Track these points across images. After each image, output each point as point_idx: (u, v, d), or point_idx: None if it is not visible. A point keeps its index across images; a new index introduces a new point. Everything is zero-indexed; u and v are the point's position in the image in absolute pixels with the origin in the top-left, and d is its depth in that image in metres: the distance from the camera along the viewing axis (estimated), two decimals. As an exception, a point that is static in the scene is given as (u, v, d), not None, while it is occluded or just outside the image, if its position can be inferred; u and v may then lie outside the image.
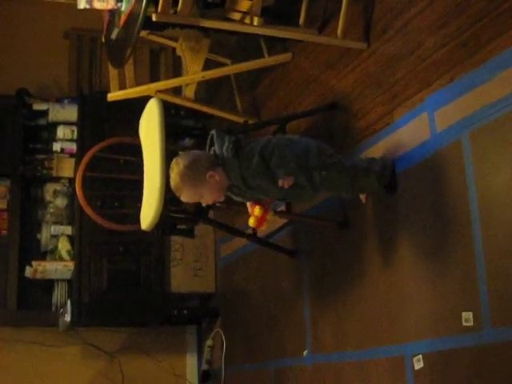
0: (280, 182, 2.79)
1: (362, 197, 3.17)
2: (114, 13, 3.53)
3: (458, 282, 2.58)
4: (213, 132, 2.84)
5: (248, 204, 3.05)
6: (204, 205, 2.91)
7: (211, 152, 2.82)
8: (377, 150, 3.13)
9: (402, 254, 2.92)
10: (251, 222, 3.03)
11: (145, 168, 3.33)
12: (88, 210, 3.81)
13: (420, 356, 2.76)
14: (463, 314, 2.53)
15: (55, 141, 4.96)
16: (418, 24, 2.90)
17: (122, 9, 3.35)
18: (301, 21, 3.60)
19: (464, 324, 2.52)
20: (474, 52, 2.57)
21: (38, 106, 5.02)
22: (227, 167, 2.77)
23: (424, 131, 2.82)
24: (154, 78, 5.27)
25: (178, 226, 3.78)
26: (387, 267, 3.02)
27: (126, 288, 4.75)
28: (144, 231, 3.28)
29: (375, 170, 2.93)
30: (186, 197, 2.80)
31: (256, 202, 3.00)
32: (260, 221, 3.02)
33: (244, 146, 2.80)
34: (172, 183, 2.79)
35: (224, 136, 2.80)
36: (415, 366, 2.78)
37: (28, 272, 4.73)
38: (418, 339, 2.79)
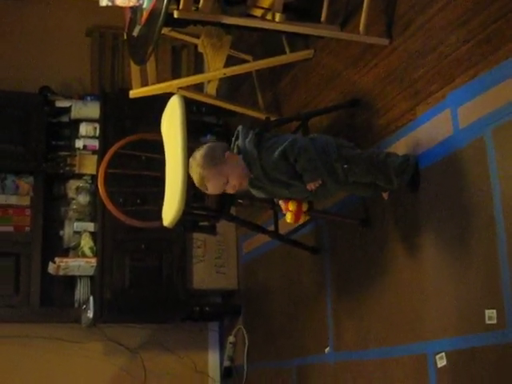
0: (308, 186, 2.81)
1: (385, 194, 3.16)
2: (135, 10, 3.54)
3: (482, 279, 2.56)
4: (239, 128, 2.86)
5: (281, 202, 3.07)
6: (231, 191, 2.86)
7: (236, 145, 2.84)
8: (399, 146, 3.12)
9: (425, 252, 2.90)
10: (288, 217, 3.04)
11: (167, 165, 3.34)
12: (110, 207, 3.82)
13: (443, 354, 2.74)
14: (486, 311, 2.52)
15: (78, 138, 4.97)
16: (441, 20, 2.88)
17: (144, 6, 3.36)
18: (323, 17, 3.59)
19: (487, 322, 2.51)
20: (498, 48, 2.55)
21: (61, 104, 5.03)
22: (248, 157, 2.78)
23: (447, 128, 2.80)
24: (176, 75, 5.26)
25: (200, 223, 3.79)
26: (409, 265, 3.00)
27: (148, 285, 4.76)
28: (166, 228, 3.28)
29: (394, 165, 2.91)
30: (211, 184, 2.78)
31: (287, 198, 3.02)
32: (297, 215, 3.03)
33: (268, 139, 2.82)
34: (194, 176, 2.79)
35: (249, 130, 2.83)
36: (438, 364, 2.76)
37: (51, 268, 4.75)
38: (440, 337, 2.77)
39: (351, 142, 2.97)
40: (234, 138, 2.88)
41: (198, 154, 2.78)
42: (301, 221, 3.08)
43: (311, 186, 2.82)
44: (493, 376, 2.48)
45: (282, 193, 2.95)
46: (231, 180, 2.79)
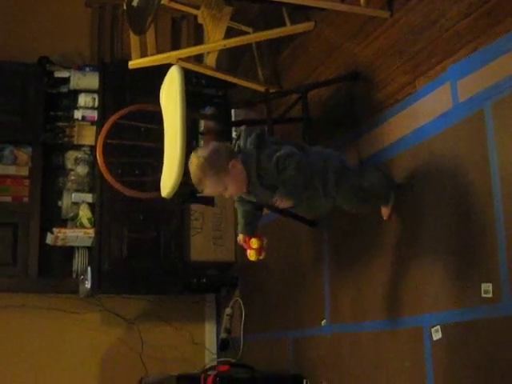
0: (277, 200, 2.77)
1: (384, 210, 3.14)
2: (135, -20, 3.52)
3: (478, 253, 2.57)
4: (242, 128, 2.80)
5: (240, 237, 3.04)
6: (226, 196, 2.84)
7: (237, 144, 2.79)
8: (399, 119, 3.11)
9: (423, 226, 2.91)
10: (252, 255, 2.99)
11: (165, 136, 3.33)
12: (108, 178, 3.82)
13: (438, 327, 2.75)
14: (482, 285, 2.52)
15: (76, 108, 4.97)
16: (442, -7, 2.87)
17: (144, -24, 3.34)
18: (324, -11, 3.57)
19: (483, 295, 2.52)
20: (498, 21, 2.54)
21: (60, 74, 5.02)
22: (246, 157, 2.72)
23: (446, 101, 2.80)
24: (176, 46, 5.25)
25: (198, 194, 3.78)
26: (407, 239, 3.01)
27: (146, 256, 4.78)
28: (164, 199, 3.28)
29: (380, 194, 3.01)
30: (209, 189, 2.74)
31: (247, 235, 2.99)
32: (259, 251, 3.00)
33: (269, 144, 2.75)
34: (193, 177, 2.72)
35: (252, 131, 2.75)
36: (433, 336, 2.78)
37: (49, 239, 4.76)
38: (436, 310, 2.78)
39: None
40: (235, 138, 2.82)
41: (202, 156, 2.69)
42: (262, 256, 3.04)
43: (279, 202, 2.77)
44: (488, 349, 2.49)
45: (270, 201, 2.86)
46: (229, 189, 2.76)
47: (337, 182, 2.83)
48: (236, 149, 2.79)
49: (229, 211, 4.98)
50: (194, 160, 2.71)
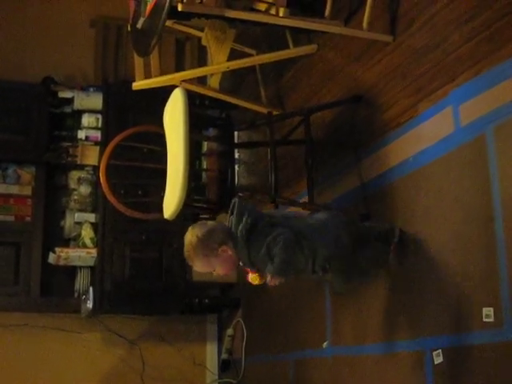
0: (269, 277, 2.79)
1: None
2: (140, 2, 3.55)
3: (479, 277, 2.57)
4: (235, 201, 2.78)
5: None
6: (214, 274, 2.85)
7: (230, 220, 2.77)
8: (401, 143, 3.12)
9: (424, 248, 2.91)
10: (256, 279, 2.92)
11: (168, 157, 3.34)
12: (111, 198, 3.83)
13: (440, 351, 2.75)
14: (484, 309, 2.52)
15: (80, 128, 4.99)
16: (444, 18, 2.89)
17: (148, -2, 3.37)
18: (327, 12, 3.58)
19: (484, 320, 2.52)
20: (500, 47, 2.55)
21: (64, 94, 5.05)
22: (237, 247, 2.74)
23: (448, 125, 2.81)
24: (179, 68, 5.28)
25: (201, 216, 3.79)
26: (408, 260, 3.01)
27: (148, 276, 4.78)
28: (167, 220, 3.29)
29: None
30: (197, 267, 2.79)
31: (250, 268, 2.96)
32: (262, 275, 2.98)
33: (261, 229, 2.73)
34: (185, 251, 2.76)
35: (244, 212, 2.73)
36: (435, 360, 2.77)
37: (51, 258, 4.76)
38: (438, 334, 2.78)
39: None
40: (230, 208, 2.80)
41: (196, 234, 2.72)
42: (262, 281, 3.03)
43: (270, 280, 2.80)
44: (489, 373, 2.49)
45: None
46: (217, 271, 2.79)
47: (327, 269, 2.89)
48: (229, 223, 2.78)
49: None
50: (189, 236, 2.74)
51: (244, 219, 2.72)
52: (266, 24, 3.48)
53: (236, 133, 4.51)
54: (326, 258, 2.84)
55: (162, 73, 3.97)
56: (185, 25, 4.25)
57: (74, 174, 5.01)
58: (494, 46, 2.59)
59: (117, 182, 4.16)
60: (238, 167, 4.98)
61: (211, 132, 4.11)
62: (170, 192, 3.25)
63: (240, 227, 2.72)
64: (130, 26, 3.79)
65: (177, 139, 3.20)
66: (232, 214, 2.78)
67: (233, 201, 2.80)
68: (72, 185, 5.00)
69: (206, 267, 2.77)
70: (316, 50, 3.94)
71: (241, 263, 2.82)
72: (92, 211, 4.93)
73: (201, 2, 3.29)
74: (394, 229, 3.04)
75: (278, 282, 2.80)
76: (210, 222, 2.84)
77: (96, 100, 4.98)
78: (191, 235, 2.73)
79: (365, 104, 3.46)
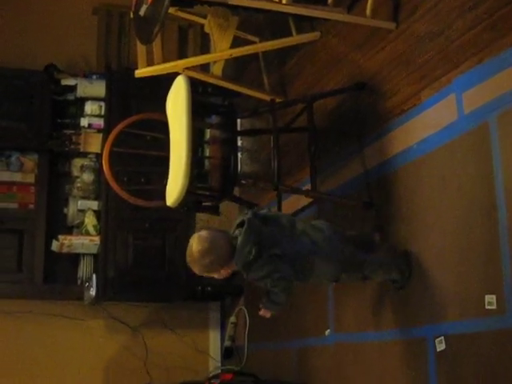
0: (261, 309, 2.84)
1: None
2: (143, -11, 3.53)
3: (482, 264, 2.57)
4: (246, 218, 2.74)
5: None
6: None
7: (237, 232, 2.74)
8: (404, 130, 3.12)
9: (426, 236, 2.91)
10: None
11: (171, 145, 3.34)
12: (114, 186, 3.83)
13: (442, 338, 2.76)
14: (486, 297, 2.53)
15: (83, 116, 4.98)
16: (448, 5, 2.88)
17: (151, -15, 3.36)
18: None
19: (487, 307, 2.52)
20: (503, 34, 2.55)
21: (67, 82, 5.04)
22: (238, 265, 2.74)
23: (451, 113, 2.80)
24: (182, 55, 5.27)
25: (203, 203, 3.79)
26: (411, 248, 3.01)
27: (151, 264, 4.78)
28: (169, 208, 3.29)
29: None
30: (196, 272, 2.79)
31: None
32: None
33: (265, 259, 2.72)
34: (187, 256, 2.74)
35: (251, 234, 2.69)
36: (437, 347, 2.78)
37: (54, 246, 4.77)
38: (440, 321, 2.79)
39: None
40: (238, 222, 2.79)
41: (200, 247, 2.69)
42: None
43: (262, 311, 2.85)
44: (491, 361, 2.50)
45: None
46: (215, 276, 2.81)
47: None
48: (233, 232, 2.77)
49: (234, 220, 4.96)
50: (194, 245, 2.70)
51: (250, 242, 2.68)
52: (269, 11, 3.47)
53: (239, 120, 4.50)
54: (336, 273, 2.89)
55: (165, 60, 3.96)
56: (188, 12, 4.24)
57: (77, 162, 5.01)
58: (497, 33, 2.59)
59: (120, 169, 4.16)
60: (241, 155, 4.98)
61: (214, 119, 4.11)
62: (173, 179, 3.25)
63: (245, 251, 2.68)
64: (133, 13, 3.77)
65: (179, 127, 3.20)
66: (241, 226, 2.74)
67: (244, 217, 2.76)
68: (75, 172, 5.00)
69: (204, 273, 2.79)
70: (319, 38, 3.93)
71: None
72: (95, 199, 4.94)
73: (204, -11, 3.28)
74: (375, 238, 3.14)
75: (269, 315, 2.86)
76: (216, 234, 2.76)
77: (99, 87, 4.97)
78: (196, 248, 2.69)
79: (368, 91, 3.45)
